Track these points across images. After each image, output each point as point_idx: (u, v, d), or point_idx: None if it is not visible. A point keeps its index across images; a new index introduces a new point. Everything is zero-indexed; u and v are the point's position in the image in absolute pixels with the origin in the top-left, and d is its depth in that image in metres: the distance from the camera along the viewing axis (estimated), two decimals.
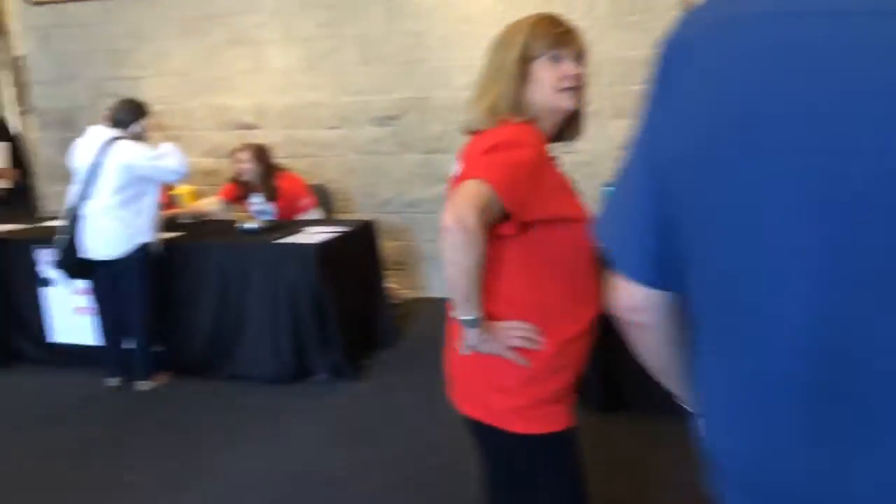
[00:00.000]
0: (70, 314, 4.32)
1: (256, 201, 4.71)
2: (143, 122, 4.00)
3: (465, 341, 1.56)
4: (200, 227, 4.49)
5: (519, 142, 1.51)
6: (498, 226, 1.49)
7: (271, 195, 4.65)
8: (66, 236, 3.84)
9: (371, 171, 5.48)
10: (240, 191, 4.73)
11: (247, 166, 4.60)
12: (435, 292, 5.26)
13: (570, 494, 1.66)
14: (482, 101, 1.61)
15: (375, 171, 5.46)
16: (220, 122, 5.73)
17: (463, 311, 1.52)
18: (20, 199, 6.59)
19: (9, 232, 4.62)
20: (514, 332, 1.53)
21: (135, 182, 3.83)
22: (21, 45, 6.32)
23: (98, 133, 3.89)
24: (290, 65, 5.45)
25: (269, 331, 4.02)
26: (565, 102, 1.60)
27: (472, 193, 1.43)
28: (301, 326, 3.99)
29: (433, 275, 5.43)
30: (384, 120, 5.34)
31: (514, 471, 1.64)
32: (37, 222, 4.98)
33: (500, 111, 1.57)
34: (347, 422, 3.62)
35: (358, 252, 4.36)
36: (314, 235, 4.12)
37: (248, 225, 4.24)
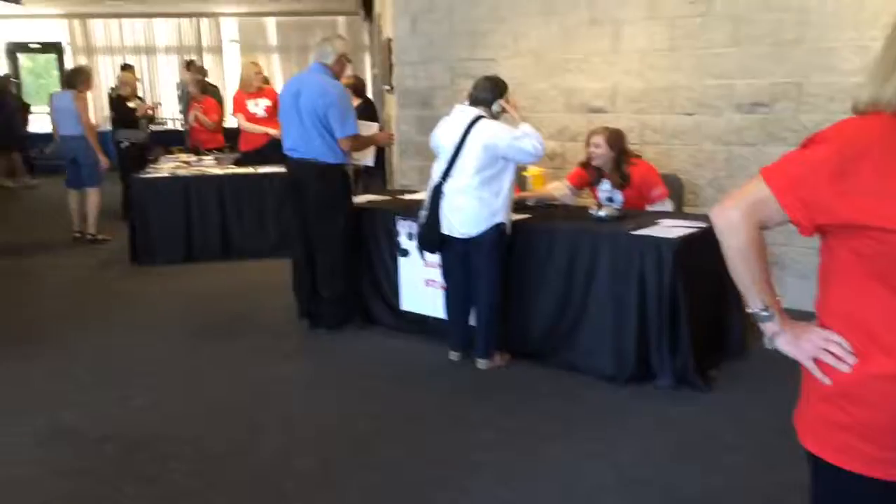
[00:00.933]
0: (420, 285, 4.51)
1: (605, 188, 4.53)
2: (502, 101, 3.99)
3: (763, 335, 1.52)
4: (548, 211, 4.42)
5: (826, 137, 1.33)
6: (802, 227, 1.38)
7: (622, 182, 4.44)
8: (428, 212, 3.97)
9: (727, 162, 5.01)
10: (589, 176, 4.58)
11: (600, 151, 4.43)
12: (788, 301, 4.67)
13: None
14: (881, 83, 1.32)
15: (732, 162, 4.99)
16: (568, 104, 5.63)
17: (748, 303, 1.51)
18: (377, 172, 7.17)
19: (371, 202, 4.95)
20: (822, 343, 1.40)
21: (495, 162, 3.83)
22: (391, 28, 6.79)
23: (463, 112, 3.96)
24: (649, 45, 5.16)
25: (612, 325, 3.83)
26: None
27: (746, 189, 1.42)
28: (648, 325, 3.74)
29: (788, 281, 4.83)
30: (751, 107, 4.83)
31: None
32: (395, 194, 5.30)
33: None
34: (692, 436, 3.31)
35: (714, 251, 3.95)
36: (671, 229, 3.83)
37: (602, 212, 4.07)
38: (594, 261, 3.86)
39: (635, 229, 3.85)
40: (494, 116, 3.98)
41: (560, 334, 4.03)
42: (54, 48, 14.32)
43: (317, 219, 4.55)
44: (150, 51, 14.44)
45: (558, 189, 4.67)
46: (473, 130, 3.85)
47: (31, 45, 14.51)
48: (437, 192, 3.95)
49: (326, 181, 4.49)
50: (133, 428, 3.48)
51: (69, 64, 13.89)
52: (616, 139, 4.45)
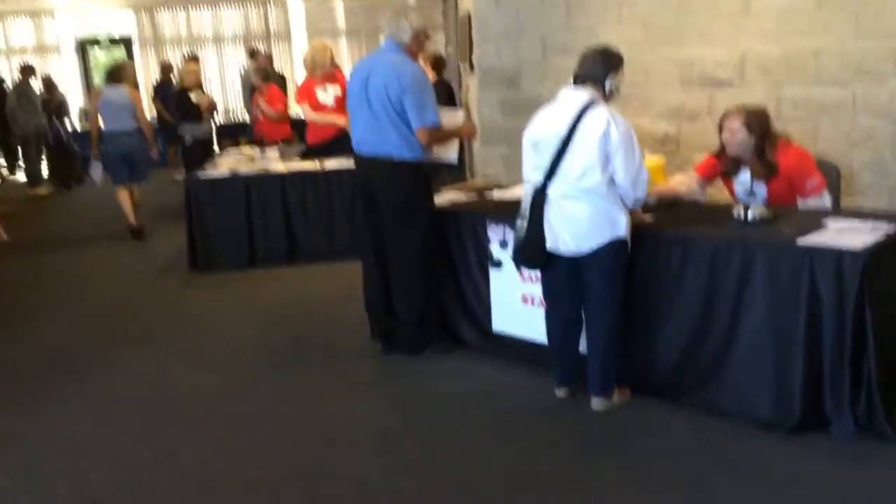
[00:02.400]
0: (517, 302, 3.74)
1: (744, 179, 3.66)
2: (619, 77, 3.18)
3: None
4: (673, 212, 3.57)
5: None
6: None
7: (766, 173, 3.56)
8: (528, 221, 3.18)
9: (892, 141, 4.06)
10: (723, 166, 3.72)
11: (737, 138, 3.56)
12: None
13: None
14: None
15: None
16: (684, 78, 4.76)
17: None
18: (457, 163, 6.38)
19: (454, 203, 4.18)
20: None
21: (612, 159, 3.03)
22: (471, 2, 5.99)
23: (570, 99, 3.15)
24: (790, 3, 4.23)
25: (770, 358, 2.99)
26: None
27: None
28: (822, 358, 2.89)
29: None
30: None
31: None
32: (482, 191, 4.52)
33: None
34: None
35: None
36: (849, 235, 2.94)
37: (751, 213, 3.20)
38: (746, 277, 3.00)
39: (800, 235, 2.98)
40: (608, 97, 3.17)
41: (698, 368, 3.20)
42: (123, 42, 14.10)
43: (391, 225, 3.83)
44: (217, 41, 14.08)
45: (683, 183, 3.83)
46: (585, 119, 3.04)
47: (101, 40, 14.30)
48: (539, 197, 3.15)
49: (401, 180, 3.76)
50: (171, 498, 2.83)
51: (137, 57, 13.64)
52: (757, 121, 3.57)
